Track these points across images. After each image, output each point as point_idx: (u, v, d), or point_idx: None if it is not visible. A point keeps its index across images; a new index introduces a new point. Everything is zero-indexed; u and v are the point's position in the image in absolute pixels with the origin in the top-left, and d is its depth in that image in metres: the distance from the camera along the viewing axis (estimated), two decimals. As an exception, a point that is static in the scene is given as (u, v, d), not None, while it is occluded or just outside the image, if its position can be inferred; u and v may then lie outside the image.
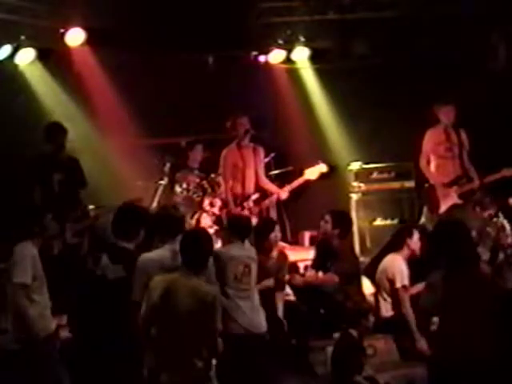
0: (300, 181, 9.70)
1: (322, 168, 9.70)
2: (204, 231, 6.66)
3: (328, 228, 8.62)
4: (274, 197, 9.71)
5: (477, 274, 6.04)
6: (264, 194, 9.78)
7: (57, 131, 9.06)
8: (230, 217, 8.24)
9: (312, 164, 9.73)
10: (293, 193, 9.78)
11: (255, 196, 9.72)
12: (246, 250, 7.32)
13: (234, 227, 7.48)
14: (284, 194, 9.67)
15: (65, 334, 7.02)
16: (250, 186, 9.73)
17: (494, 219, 8.32)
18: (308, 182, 9.77)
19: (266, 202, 9.71)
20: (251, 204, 9.64)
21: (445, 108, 9.81)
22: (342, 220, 8.67)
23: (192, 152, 10.26)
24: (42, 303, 6.52)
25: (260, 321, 7.18)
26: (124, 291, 6.24)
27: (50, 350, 6.53)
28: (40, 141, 9.17)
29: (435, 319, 6.11)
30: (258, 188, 9.78)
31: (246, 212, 9.53)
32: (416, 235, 8.36)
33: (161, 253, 6.41)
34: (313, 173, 9.67)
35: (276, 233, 8.15)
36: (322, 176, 9.84)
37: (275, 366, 7.25)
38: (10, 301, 6.52)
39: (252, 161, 9.75)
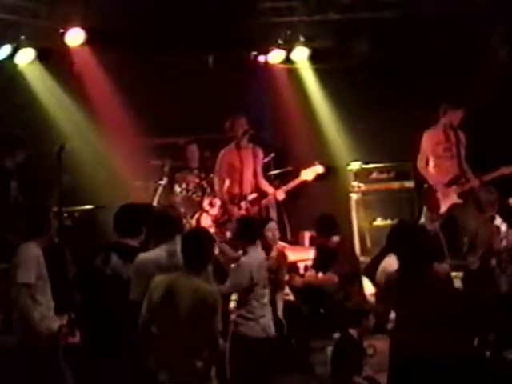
0: (296, 182, 9.71)
1: (318, 169, 9.71)
2: (205, 231, 6.62)
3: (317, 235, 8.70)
4: (271, 198, 9.70)
5: (431, 272, 6.13)
6: (262, 194, 9.78)
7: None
8: (238, 223, 8.14)
9: (309, 165, 9.73)
10: (291, 193, 9.79)
11: (252, 196, 9.71)
12: (262, 253, 7.32)
13: (246, 232, 7.34)
14: (280, 194, 9.67)
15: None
16: (248, 186, 9.73)
17: (488, 223, 8.28)
18: (305, 183, 9.78)
19: (264, 202, 9.71)
20: (248, 204, 9.63)
21: (455, 111, 9.75)
22: (320, 224, 8.71)
23: (188, 152, 10.29)
24: (45, 303, 6.53)
25: (272, 323, 7.23)
26: None
27: (53, 349, 6.53)
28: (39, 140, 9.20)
29: (392, 316, 6.26)
30: (256, 189, 9.78)
31: (243, 212, 9.53)
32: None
33: (157, 253, 6.40)
34: (309, 174, 9.68)
35: (273, 231, 8.13)
36: (320, 176, 9.84)
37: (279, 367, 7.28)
38: (13, 301, 6.53)
39: (250, 161, 9.74)
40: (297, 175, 9.75)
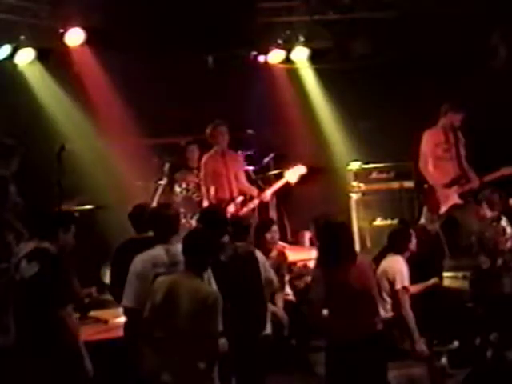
0: (280, 183, 9.76)
1: (300, 169, 9.75)
2: (206, 231, 6.61)
3: None
4: (256, 201, 9.73)
5: (354, 269, 6.59)
6: (251, 197, 9.80)
7: None
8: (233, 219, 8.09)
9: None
10: (292, 193, 9.80)
11: (240, 199, 9.72)
12: None
13: (242, 228, 7.40)
14: (267, 196, 9.72)
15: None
16: (235, 190, 9.75)
17: (494, 223, 8.27)
18: (289, 185, 9.82)
19: (250, 205, 9.73)
20: (233, 209, 9.61)
21: (456, 113, 9.74)
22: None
23: (188, 152, 10.30)
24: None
25: None
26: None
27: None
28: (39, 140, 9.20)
29: (325, 311, 6.63)
30: (241, 192, 9.80)
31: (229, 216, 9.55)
32: (413, 236, 8.34)
33: (152, 251, 6.43)
34: (292, 175, 9.72)
35: (272, 234, 8.12)
36: (306, 177, 9.88)
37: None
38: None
39: (235, 166, 9.79)
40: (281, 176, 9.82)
